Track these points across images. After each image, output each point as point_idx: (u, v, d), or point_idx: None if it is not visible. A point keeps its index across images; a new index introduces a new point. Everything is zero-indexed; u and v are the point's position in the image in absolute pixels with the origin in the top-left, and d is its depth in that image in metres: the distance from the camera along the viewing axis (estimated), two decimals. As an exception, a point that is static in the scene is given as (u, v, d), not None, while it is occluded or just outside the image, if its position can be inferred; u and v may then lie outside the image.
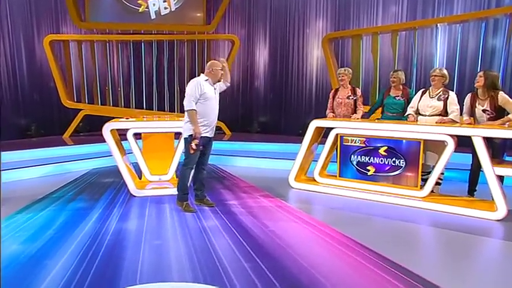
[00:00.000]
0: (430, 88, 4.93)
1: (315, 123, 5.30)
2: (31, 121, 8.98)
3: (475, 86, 4.59)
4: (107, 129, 4.94)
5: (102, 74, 8.97)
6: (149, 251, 3.32)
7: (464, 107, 4.72)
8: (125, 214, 4.36)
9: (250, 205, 4.69)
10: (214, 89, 4.47)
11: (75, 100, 8.75)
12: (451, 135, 4.37)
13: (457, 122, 4.69)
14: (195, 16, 8.09)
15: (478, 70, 5.99)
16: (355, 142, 5.07)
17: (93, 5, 8.10)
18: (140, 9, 7.91)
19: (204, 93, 4.31)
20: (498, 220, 4.10)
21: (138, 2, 7.99)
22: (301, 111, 9.49)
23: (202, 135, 4.34)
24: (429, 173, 4.76)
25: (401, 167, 4.76)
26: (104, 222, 4.07)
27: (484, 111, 4.48)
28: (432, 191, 4.83)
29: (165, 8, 7.95)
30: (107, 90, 8.80)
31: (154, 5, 7.91)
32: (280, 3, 9.67)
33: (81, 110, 8.63)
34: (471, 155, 4.55)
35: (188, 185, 4.54)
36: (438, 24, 7.21)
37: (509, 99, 4.39)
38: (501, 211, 4.07)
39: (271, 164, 7.00)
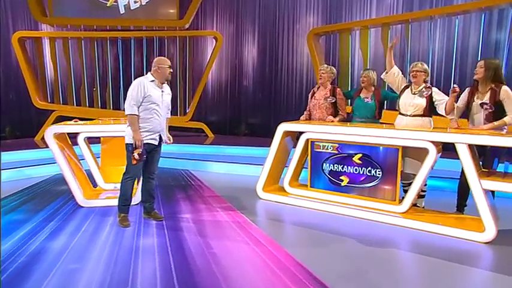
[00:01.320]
0: (412, 84, 4.34)
1: (282, 127, 4.75)
2: (5, 122, 8.65)
3: (474, 78, 3.93)
4: (49, 133, 4.48)
5: (77, 73, 8.55)
6: (57, 279, 2.82)
7: (458, 102, 4.07)
8: (59, 229, 3.87)
9: (204, 220, 4.16)
10: (162, 91, 3.96)
11: (49, 101, 8.36)
12: (432, 142, 3.77)
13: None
14: (168, 12, 7.60)
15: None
16: (326, 148, 4.49)
17: None
18: (108, 4, 7.42)
19: (148, 96, 3.80)
20: (486, 243, 3.48)
21: None
22: (291, 112, 8.89)
23: (145, 142, 3.86)
24: (411, 183, 4.18)
25: (378, 177, 4.16)
26: (30, 239, 3.59)
27: (482, 104, 3.82)
28: (416, 205, 4.26)
29: (135, 2, 7.46)
30: (82, 90, 8.38)
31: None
32: (269, -3, 9.14)
33: (54, 111, 8.22)
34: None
35: (131, 196, 4.07)
36: (436, 16, 6.55)
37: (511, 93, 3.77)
38: (489, 232, 3.45)
39: (249, 170, 6.40)
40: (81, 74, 8.45)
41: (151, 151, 3.99)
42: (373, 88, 4.70)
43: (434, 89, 4.20)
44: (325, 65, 5.06)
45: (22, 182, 5.77)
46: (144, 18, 7.65)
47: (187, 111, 8.68)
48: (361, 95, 4.72)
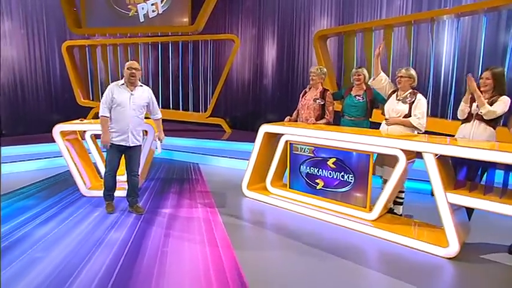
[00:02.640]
0: (398, 91, 3.79)
1: (264, 128, 4.39)
2: (62, 117, 9.06)
3: (481, 90, 3.25)
4: (56, 131, 4.52)
5: (113, 74, 8.72)
6: (18, 267, 2.77)
7: (459, 113, 3.45)
8: (53, 216, 3.88)
9: (179, 216, 3.96)
10: (132, 94, 3.79)
11: (91, 99, 8.64)
12: (402, 150, 3.24)
13: (416, 128, 3.55)
14: (182, 19, 7.47)
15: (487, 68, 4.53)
16: (304, 151, 4.08)
17: (88, 12, 7.87)
18: (130, 14, 7.48)
19: (114, 99, 3.70)
20: (449, 258, 2.94)
21: (128, 7, 7.59)
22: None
23: (115, 143, 3.78)
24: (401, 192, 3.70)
25: (350, 182, 3.70)
26: (24, 224, 3.64)
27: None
28: (393, 212, 3.76)
29: (153, 11, 7.44)
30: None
31: (143, 8, 7.45)
32: (287, 2, 8.64)
33: (93, 108, 8.50)
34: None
35: (113, 187, 4.05)
36: (444, 17, 5.74)
37: (508, 103, 3.17)
38: (452, 247, 2.92)
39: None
40: (116, 75, 8.62)
41: (127, 151, 3.89)
42: (365, 86, 4.19)
43: (420, 99, 3.62)
44: (316, 67, 4.59)
45: (52, 170, 5.95)
46: (161, 25, 7.59)
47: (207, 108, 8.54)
48: (352, 92, 4.22)
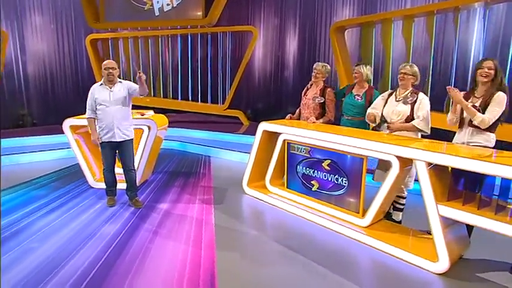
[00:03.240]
0: (398, 90, 3.55)
1: (262, 127, 4.32)
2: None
3: (484, 81, 2.93)
4: (66, 125, 4.73)
5: (136, 66, 8.97)
6: (14, 255, 2.96)
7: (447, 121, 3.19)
8: (57, 207, 4.09)
9: (173, 213, 4.00)
10: (111, 90, 3.87)
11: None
12: (396, 155, 3.05)
13: (421, 130, 3.32)
14: (196, 12, 7.45)
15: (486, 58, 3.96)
16: (300, 151, 3.97)
17: (106, 6, 8.04)
18: (146, 7, 7.57)
19: (96, 99, 3.85)
20: (439, 274, 2.75)
21: (144, 0, 7.66)
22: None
23: (105, 140, 3.92)
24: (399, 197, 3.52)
25: (344, 186, 3.55)
26: (30, 213, 3.88)
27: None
28: (391, 219, 3.58)
29: (168, 5, 7.47)
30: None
31: (158, 2, 7.51)
32: (310, -9, 8.37)
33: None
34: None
35: (113, 183, 4.21)
36: (475, 4, 5.24)
37: (503, 101, 2.86)
38: (442, 264, 2.72)
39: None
40: (136, 67, 8.87)
41: (118, 147, 4.00)
42: (366, 85, 3.99)
43: (422, 98, 3.36)
44: (321, 64, 4.40)
45: (70, 160, 6.21)
46: (175, 19, 7.63)
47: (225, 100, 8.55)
48: (353, 91, 4.04)
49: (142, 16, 7.59)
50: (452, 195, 2.77)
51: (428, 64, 5.62)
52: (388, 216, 3.60)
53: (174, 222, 3.74)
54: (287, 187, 4.19)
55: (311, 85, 4.46)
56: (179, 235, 3.44)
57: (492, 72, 2.89)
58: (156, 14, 7.50)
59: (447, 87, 3.05)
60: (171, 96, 8.91)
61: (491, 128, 2.89)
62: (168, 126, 5.39)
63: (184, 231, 3.54)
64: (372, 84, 4.56)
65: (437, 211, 2.71)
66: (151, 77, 8.83)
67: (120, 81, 4.00)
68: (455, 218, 2.65)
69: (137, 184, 4.48)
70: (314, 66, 4.40)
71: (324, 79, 4.34)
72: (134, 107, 4.43)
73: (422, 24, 5.88)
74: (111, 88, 3.89)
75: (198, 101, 8.80)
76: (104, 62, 3.92)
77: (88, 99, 3.92)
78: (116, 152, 4.09)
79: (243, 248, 3.25)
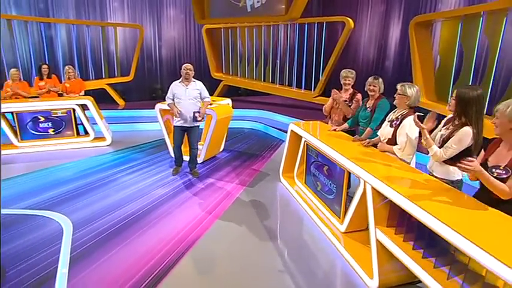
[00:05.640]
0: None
1: (291, 127, 4.86)
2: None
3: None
4: (157, 108, 6.21)
5: (241, 51, 10.14)
6: (94, 199, 4.54)
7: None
8: (140, 169, 5.68)
9: (215, 185, 5.07)
10: (186, 88, 4.95)
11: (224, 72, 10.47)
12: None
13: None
14: (281, 7, 7.82)
15: None
16: (313, 153, 4.38)
17: (209, 5, 9.19)
18: (240, 4, 8.36)
19: (174, 94, 4.98)
20: (373, 291, 2.98)
21: None
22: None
23: (177, 125, 5.12)
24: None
25: (334, 192, 3.88)
26: (123, 170, 5.56)
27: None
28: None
29: (257, 2, 8.06)
30: (242, 65, 10.01)
31: (250, 0, 8.22)
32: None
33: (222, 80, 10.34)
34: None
35: (180, 157, 5.45)
36: None
37: (461, 141, 2.70)
38: (374, 282, 2.94)
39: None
40: (243, 52, 10.04)
41: (188, 131, 5.18)
42: (377, 96, 4.05)
43: (406, 122, 3.26)
44: (347, 71, 4.57)
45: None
46: (264, 15, 8.28)
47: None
48: (366, 104, 4.17)
49: (238, 12, 8.57)
50: (393, 221, 2.88)
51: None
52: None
53: (208, 192, 4.79)
54: (305, 182, 4.69)
55: (340, 90, 4.64)
56: (204, 202, 4.46)
57: (453, 102, 2.76)
58: (248, 10, 8.37)
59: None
60: (270, 80, 9.84)
61: (452, 162, 2.77)
62: (258, 109, 6.20)
63: (210, 199, 4.55)
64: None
65: (375, 234, 2.90)
66: (254, 62, 9.92)
67: (194, 81, 5.12)
68: (386, 246, 2.80)
69: (203, 159, 5.82)
70: (343, 74, 4.56)
71: (352, 84, 4.52)
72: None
73: None
74: (186, 86, 5.04)
75: (292, 87, 9.47)
76: (184, 64, 5.05)
77: (168, 92, 5.10)
78: (184, 134, 5.34)
79: (239, 222, 3.99)
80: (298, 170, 4.91)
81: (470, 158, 2.29)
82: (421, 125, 2.94)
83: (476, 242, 1.94)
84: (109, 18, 10.11)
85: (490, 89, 5.21)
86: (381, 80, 4.02)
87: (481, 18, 5.18)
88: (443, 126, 3.00)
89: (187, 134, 5.25)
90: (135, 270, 3.08)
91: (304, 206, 4.40)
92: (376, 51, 9.21)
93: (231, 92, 10.52)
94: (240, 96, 11.04)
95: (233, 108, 6.57)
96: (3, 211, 4.06)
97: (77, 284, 2.90)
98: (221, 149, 6.69)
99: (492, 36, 5.23)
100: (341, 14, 8.40)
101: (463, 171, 2.40)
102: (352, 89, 4.53)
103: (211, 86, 10.49)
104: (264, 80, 9.85)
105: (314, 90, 8.88)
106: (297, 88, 9.42)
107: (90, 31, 9.74)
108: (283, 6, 7.56)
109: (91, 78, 9.87)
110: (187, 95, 4.99)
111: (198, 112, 5.01)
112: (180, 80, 5.05)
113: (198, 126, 5.30)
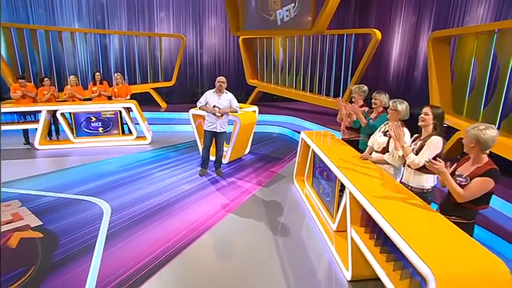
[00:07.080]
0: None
1: (302, 135, 5.44)
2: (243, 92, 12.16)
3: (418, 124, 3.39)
4: (190, 113, 7.07)
5: (275, 60, 10.78)
6: (130, 189, 5.49)
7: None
8: (172, 166, 6.57)
9: (235, 183, 5.79)
10: (219, 98, 5.70)
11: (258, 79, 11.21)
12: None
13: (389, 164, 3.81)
14: (307, 20, 8.27)
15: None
16: (317, 160, 4.93)
17: (244, 18, 9.84)
18: (271, 18, 8.95)
19: (208, 101, 5.75)
20: (348, 281, 3.49)
21: (270, 12, 8.95)
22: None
23: (208, 129, 5.84)
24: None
25: (330, 194, 4.42)
26: (158, 166, 6.49)
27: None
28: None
29: (287, 16, 8.57)
30: (275, 74, 10.64)
31: (280, 14, 8.69)
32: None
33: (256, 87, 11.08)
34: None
35: (207, 159, 6.16)
36: None
37: (434, 148, 3.17)
38: (349, 273, 3.45)
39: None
40: (276, 61, 10.69)
41: (216, 135, 5.90)
42: (381, 109, 4.47)
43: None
44: (356, 86, 5.02)
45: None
46: (293, 28, 8.79)
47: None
48: (370, 116, 4.61)
49: (269, 25, 9.20)
50: (364, 221, 3.37)
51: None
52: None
53: (228, 189, 5.51)
54: (311, 185, 5.25)
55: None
56: (222, 198, 5.17)
57: (429, 117, 3.21)
58: (278, 24, 8.98)
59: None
60: (300, 88, 10.39)
61: (427, 170, 3.12)
62: (288, 115, 6.84)
63: (228, 195, 5.25)
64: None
65: (350, 232, 3.42)
66: (286, 70, 10.54)
67: (226, 92, 5.87)
68: (358, 244, 3.30)
69: (228, 160, 6.59)
70: (354, 89, 5.01)
71: (360, 98, 4.95)
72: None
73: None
74: (219, 96, 5.80)
75: (321, 95, 9.95)
76: (218, 77, 5.80)
77: (201, 98, 5.83)
78: (213, 137, 6.08)
79: (248, 216, 4.64)
80: (307, 173, 5.47)
81: (439, 159, 2.77)
82: (402, 134, 3.42)
83: (405, 236, 2.44)
84: (156, 27, 11.29)
85: (502, 104, 5.39)
86: (385, 95, 4.39)
87: (495, 35, 5.38)
88: (412, 142, 3.47)
89: (215, 138, 6.00)
90: (153, 249, 3.86)
91: (308, 206, 4.96)
92: (406, 61, 9.42)
93: (266, 98, 11.21)
94: (275, 102, 11.71)
95: (266, 113, 7.28)
96: (61, 195, 5.13)
97: (109, 254, 3.74)
98: (247, 151, 7.40)
99: (503, 54, 5.39)
100: (375, 25, 8.76)
101: (430, 168, 2.81)
102: (362, 102, 4.96)
103: (248, 91, 11.32)
104: (295, 88, 10.42)
105: (342, 98, 9.29)
106: (325, 96, 9.89)
107: (138, 40, 10.95)
108: (310, 19, 8.08)
109: (138, 82, 11.08)
110: (219, 104, 5.73)
111: (219, 108, 5.67)
112: (214, 90, 5.81)
113: (225, 131, 6.01)
